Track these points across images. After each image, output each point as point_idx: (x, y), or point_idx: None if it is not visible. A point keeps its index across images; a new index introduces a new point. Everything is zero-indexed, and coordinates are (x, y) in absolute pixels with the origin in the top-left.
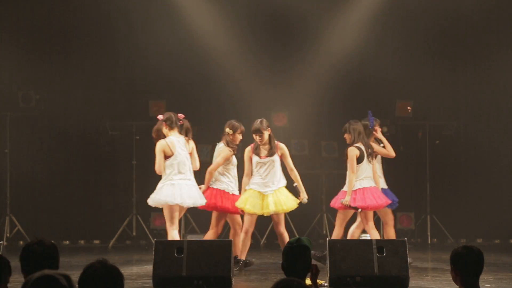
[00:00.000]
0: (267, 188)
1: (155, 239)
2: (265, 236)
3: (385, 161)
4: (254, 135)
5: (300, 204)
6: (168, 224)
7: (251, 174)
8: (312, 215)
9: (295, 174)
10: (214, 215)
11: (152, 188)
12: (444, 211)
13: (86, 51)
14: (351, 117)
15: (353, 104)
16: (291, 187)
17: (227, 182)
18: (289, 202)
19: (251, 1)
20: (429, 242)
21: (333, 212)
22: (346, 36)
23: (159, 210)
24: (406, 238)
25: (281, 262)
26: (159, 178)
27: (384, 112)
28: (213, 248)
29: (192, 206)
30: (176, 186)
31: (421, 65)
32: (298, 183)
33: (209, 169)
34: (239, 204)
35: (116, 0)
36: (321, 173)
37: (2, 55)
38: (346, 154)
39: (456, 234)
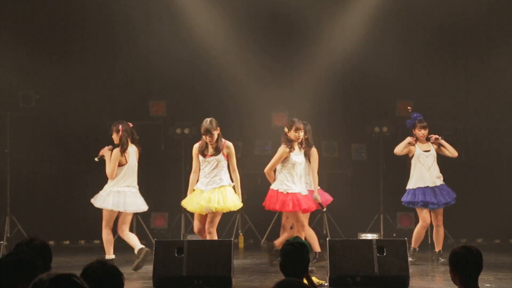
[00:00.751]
0: (209, 186)
1: (155, 239)
2: (265, 236)
3: (385, 161)
4: (204, 136)
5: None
6: (104, 223)
7: (198, 171)
8: (312, 215)
9: (235, 176)
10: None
11: (152, 188)
12: (444, 211)
13: (86, 51)
14: (352, 117)
15: (353, 104)
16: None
17: (283, 181)
18: (226, 203)
19: (251, 1)
20: (429, 242)
21: (333, 212)
22: (346, 36)
23: (159, 211)
24: (406, 238)
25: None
26: (158, 178)
27: (384, 112)
28: (213, 248)
29: (134, 212)
30: (122, 194)
31: (421, 65)
32: (236, 185)
33: (265, 170)
34: (183, 203)
35: (116, 0)
36: (321, 173)
37: (2, 55)
38: (310, 154)
39: (456, 234)
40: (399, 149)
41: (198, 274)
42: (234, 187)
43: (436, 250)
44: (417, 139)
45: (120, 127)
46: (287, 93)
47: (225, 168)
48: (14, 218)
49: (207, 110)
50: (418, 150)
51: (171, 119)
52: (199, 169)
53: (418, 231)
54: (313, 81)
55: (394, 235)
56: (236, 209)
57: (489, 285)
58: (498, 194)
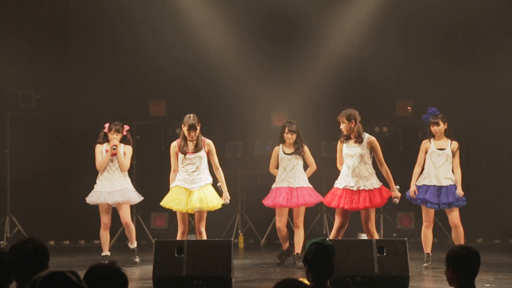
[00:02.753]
0: (194, 185)
1: (155, 239)
2: (265, 236)
3: (385, 160)
4: (189, 131)
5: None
6: (129, 216)
7: (178, 170)
8: (312, 215)
9: (220, 174)
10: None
11: (152, 188)
12: (444, 211)
13: (86, 51)
14: None
15: (353, 104)
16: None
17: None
18: (214, 200)
19: (251, 1)
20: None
21: (333, 212)
22: (347, 35)
23: (159, 211)
24: (406, 238)
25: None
26: (157, 178)
27: (384, 112)
28: (213, 248)
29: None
30: None
31: (421, 65)
32: (222, 182)
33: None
34: (165, 204)
35: (116, 0)
36: (321, 173)
37: (2, 54)
38: (304, 151)
39: None
40: (421, 161)
41: (198, 274)
42: (220, 186)
43: None
44: (434, 136)
45: (125, 127)
46: (287, 93)
47: (207, 166)
48: (14, 218)
49: (207, 110)
50: (432, 147)
51: (171, 119)
52: (177, 168)
53: (423, 233)
54: (313, 81)
55: (394, 235)
56: (218, 208)
57: (489, 285)
58: (498, 194)
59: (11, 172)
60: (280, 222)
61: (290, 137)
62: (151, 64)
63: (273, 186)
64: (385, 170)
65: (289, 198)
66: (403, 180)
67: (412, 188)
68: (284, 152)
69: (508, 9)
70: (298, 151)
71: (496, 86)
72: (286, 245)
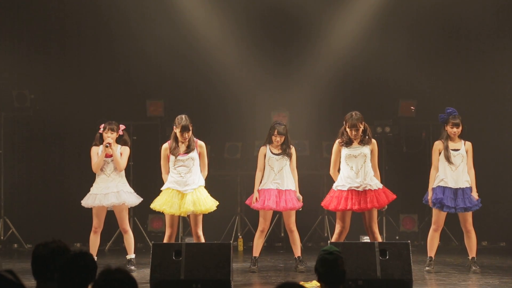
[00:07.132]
0: (187, 187)
1: (153, 242)
2: (265, 239)
3: (388, 162)
4: (182, 133)
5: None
6: (127, 223)
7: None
8: (313, 217)
9: (204, 174)
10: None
11: (149, 189)
12: (448, 214)
13: (82, 50)
14: None
15: (355, 104)
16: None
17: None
18: (208, 203)
19: (252, 0)
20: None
21: (334, 214)
22: (349, 35)
23: (156, 213)
24: (409, 241)
25: (282, 264)
26: (155, 179)
27: (387, 111)
28: (212, 251)
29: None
30: None
31: (424, 65)
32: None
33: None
34: (157, 207)
35: None
36: (322, 174)
37: None
38: (292, 153)
39: (461, 237)
40: (436, 163)
41: (197, 278)
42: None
43: (469, 257)
44: (448, 137)
45: (121, 127)
46: (288, 93)
47: (199, 167)
48: (8, 221)
49: (205, 110)
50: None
51: (169, 119)
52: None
53: (430, 236)
54: (314, 81)
55: (397, 237)
56: (213, 210)
57: None
58: (503, 197)
59: (5, 173)
60: (265, 225)
61: (278, 140)
62: (149, 63)
63: (260, 187)
64: (377, 176)
65: (278, 201)
66: (405, 181)
67: (431, 194)
68: (272, 152)
69: (510, 10)
70: (286, 152)
71: (500, 86)
72: (258, 252)
